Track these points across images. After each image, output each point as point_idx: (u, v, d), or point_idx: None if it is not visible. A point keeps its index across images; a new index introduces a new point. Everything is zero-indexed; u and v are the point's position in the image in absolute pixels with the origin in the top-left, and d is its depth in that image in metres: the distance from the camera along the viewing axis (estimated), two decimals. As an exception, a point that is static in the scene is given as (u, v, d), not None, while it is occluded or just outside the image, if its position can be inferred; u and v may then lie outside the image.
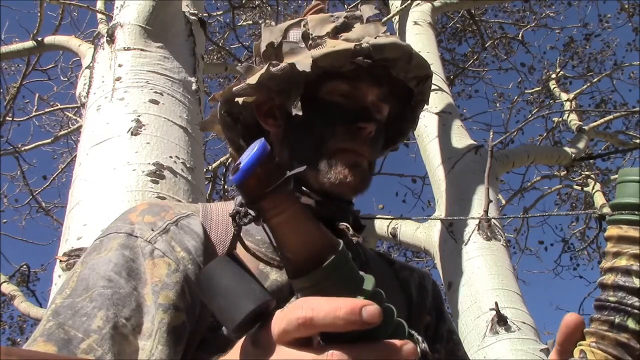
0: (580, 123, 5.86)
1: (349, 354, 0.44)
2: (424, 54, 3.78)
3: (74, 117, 5.74)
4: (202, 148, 2.11)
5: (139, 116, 1.85)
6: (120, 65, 2.01)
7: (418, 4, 4.11)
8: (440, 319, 0.90)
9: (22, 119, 6.11)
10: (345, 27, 0.82)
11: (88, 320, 0.62)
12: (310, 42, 0.82)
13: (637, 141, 6.18)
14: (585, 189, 6.69)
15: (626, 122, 7.11)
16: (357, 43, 0.78)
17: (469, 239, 2.84)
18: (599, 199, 6.47)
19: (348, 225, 0.76)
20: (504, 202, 6.05)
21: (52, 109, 6.23)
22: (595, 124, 6.09)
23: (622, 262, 0.52)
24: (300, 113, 0.79)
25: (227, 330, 0.49)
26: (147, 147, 1.78)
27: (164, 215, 0.74)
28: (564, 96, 6.96)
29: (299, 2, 6.99)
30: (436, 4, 4.27)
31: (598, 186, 6.50)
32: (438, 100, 3.58)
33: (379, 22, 0.84)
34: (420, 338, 0.66)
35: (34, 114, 6.07)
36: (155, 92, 1.95)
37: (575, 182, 6.78)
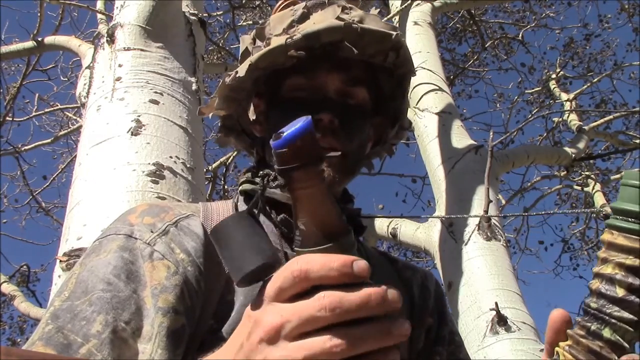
0: (580, 123, 5.85)
1: (339, 296, 0.46)
2: (424, 53, 3.78)
3: (74, 117, 5.74)
4: (202, 148, 2.11)
5: (139, 116, 1.85)
6: (120, 66, 2.01)
7: (418, 4, 4.11)
8: (442, 321, 0.89)
9: (22, 119, 6.10)
10: (303, 17, 0.80)
11: (87, 325, 0.61)
12: (265, 42, 0.80)
13: (637, 141, 6.17)
14: (585, 189, 6.69)
15: (626, 122, 7.12)
16: (289, 36, 0.76)
17: (469, 239, 2.84)
18: (599, 199, 6.47)
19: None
20: (504, 202, 6.05)
21: (52, 109, 6.22)
22: (595, 124, 6.09)
23: (608, 269, 0.51)
24: (254, 117, 0.80)
25: (234, 279, 0.52)
26: (147, 147, 1.78)
27: (163, 216, 0.73)
28: (564, 96, 6.96)
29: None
30: (436, 4, 4.27)
31: (598, 186, 6.51)
32: (438, 100, 3.58)
33: (342, 2, 0.81)
34: None
35: (34, 114, 6.07)
36: (155, 92, 1.95)
37: (575, 182, 6.78)
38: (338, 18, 0.78)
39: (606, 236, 0.53)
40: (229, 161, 5.39)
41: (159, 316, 0.64)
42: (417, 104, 3.63)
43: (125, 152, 1.75)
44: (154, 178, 1.71)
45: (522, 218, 6.66)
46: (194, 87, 2.10)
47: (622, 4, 7.38)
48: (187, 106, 2.00)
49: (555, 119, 6.48)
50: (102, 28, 2.30)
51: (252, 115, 0.83)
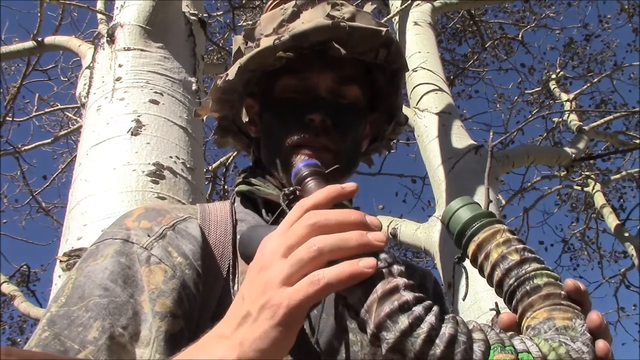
0: (580, 123, 5.85)
1: (323, 213, 0.51)
2: (424, 54, 3.78)
3: (74, 117, 5.73)
4: (202, 148, 2.10)
5: (139, 116, 1.85)
6: (120, 66, 2.01)
7: (418, 4, 4.11)
8: None
9: (22, 119, 6.09)
10: (293, 16, 0.79)
11: (84, 331, 0.61)
12: (255, 43, 0.80)
13: (637, 141, 6.17)
14: (585, 189, 6.70)
15: (626, 122, 7.12)
16: (278, 37, 0.76)
17: (469, 240, 2.84)
18: (599, 199, 6.48)
19: None
20: (504, 202, 6.05)
21: (52, 109, 6.21)
22: (595, 124, 6.08)
23: (494, 256, 0.60)
24: (246, 119, 0.80)
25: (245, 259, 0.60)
26: (147, 147, 1.78)
27: (160, 220, 0.73)
28: (564, 96, 6.96)
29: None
30: (436, 4, 4.27)
31: (598, 186, 6.51)
32: (438, 100, 3.57)
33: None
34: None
35: (34, 114, 6.06)
36: (156, 93, 1.95)
37: (575, 183, 6.79)
38: (328, 16, 0.78)
39: (472, 247, 0.62)
40: (229, 161, 5.39)
41: (157, 320, 0.63)
42: (417, 104, 3.63)
43: (125, 152, 1.75)
44: (154, 178, 1.71)
45: (522, 218, 6.66)
46: (194, 87, 2.10)
47: (622, 4, 7.38)
48: (187, 106, 2.00)
49: (555, 119, 6.48)
50: (102, 28, 2.30)
51: (244, 117, 0.83)
